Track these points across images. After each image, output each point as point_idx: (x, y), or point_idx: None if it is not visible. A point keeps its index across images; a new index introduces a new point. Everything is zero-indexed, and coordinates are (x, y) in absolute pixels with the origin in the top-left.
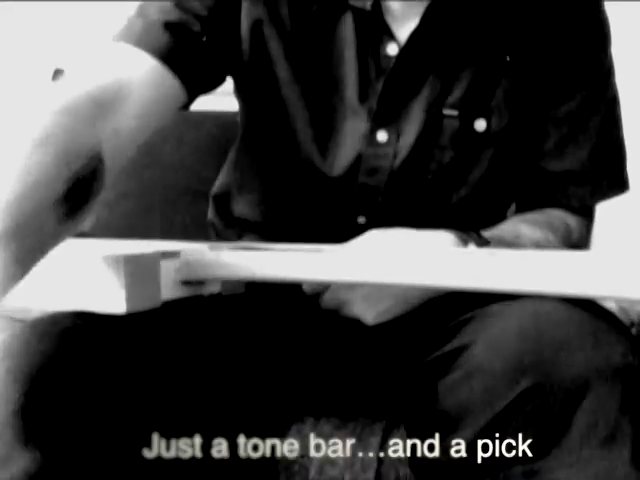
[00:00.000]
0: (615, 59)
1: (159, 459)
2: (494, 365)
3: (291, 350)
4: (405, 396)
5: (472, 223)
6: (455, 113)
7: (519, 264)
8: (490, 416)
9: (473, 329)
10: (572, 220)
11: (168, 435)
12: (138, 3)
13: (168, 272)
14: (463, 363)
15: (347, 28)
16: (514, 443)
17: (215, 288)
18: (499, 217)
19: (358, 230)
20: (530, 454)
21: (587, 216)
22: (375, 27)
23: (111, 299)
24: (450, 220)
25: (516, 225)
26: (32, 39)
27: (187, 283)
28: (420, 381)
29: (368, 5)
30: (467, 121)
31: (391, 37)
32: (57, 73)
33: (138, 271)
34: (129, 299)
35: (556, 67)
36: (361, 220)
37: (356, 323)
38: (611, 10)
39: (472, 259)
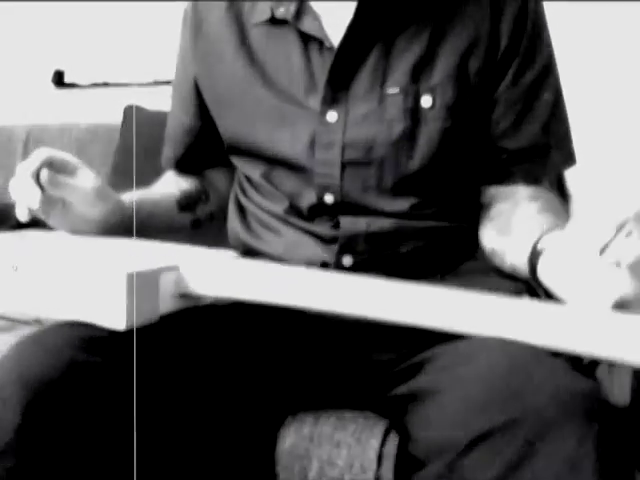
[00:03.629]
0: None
1: (160, 458)
2: (462, 405)
3: (289, 352)
4: (397, 401)
5: (432, 194)
6: (397, 91)
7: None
8: (457, 452)
9: (443, 366)
10: (543, 192)
11: (168, 433)
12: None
13: (167, 286)
14: (436, 399)
15: (291, 34)
16: (484, 477)
17: (212, 297)
18: (466, 190)
19: (328, 210)
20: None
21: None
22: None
23: (111, 315)
24: (410, 190)
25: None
26: (32, 39)
27: (185, 295)
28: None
29: (289, 16)
30: (413, 98)
31: (326, 37)
32: (57, 73)
33: (138, 288)
34: (129, 316)
35: (501, 50)
36: (328, 199)
37: (353, 325)
38: (610, 10)
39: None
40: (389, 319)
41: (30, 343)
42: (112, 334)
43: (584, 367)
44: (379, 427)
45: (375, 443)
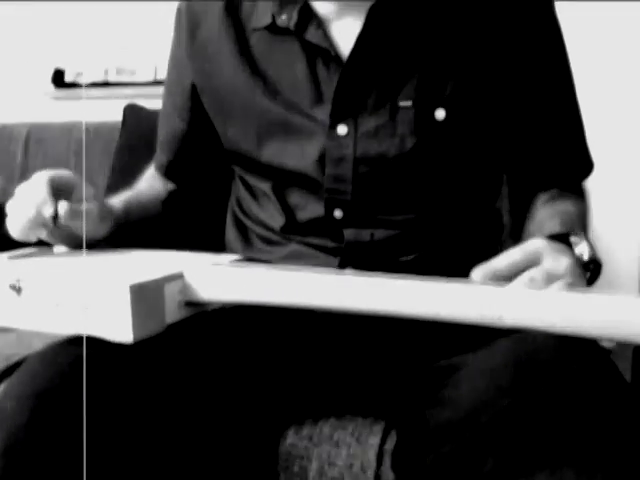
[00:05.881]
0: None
1: (161, 458)
2: (484, 382)
3: (294, 352)
4: (401, 401)
5: (441, 204)
6: (409, 104)
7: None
8: (474, 429)
9: (465, 356)
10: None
11: (168, 432)
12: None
13: (172, 295)
14: (454, 381)
15: (294, 42)
16: (494, 457)
17: (218, 304)
18: (484, 203)
19: (336, 224)
20: (509, 470)
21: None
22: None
23: (117, 328)
24: (420, 201)
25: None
26: (32, 38)
27: (190, 303)
28: (412, 392)
29: (292, 25)
30: (426, 110)
31: (332, 47)
32: (57, 73)
33: (143, 299)
34: (135, 328)
35: (515, 62)
36: (337, 214)
37: (356, 326)
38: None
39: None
40: (395, 312)
41: (38, 361)
42: (115, 345)
43: (599, 353)
44: (379, 426)
45: (375, 442)
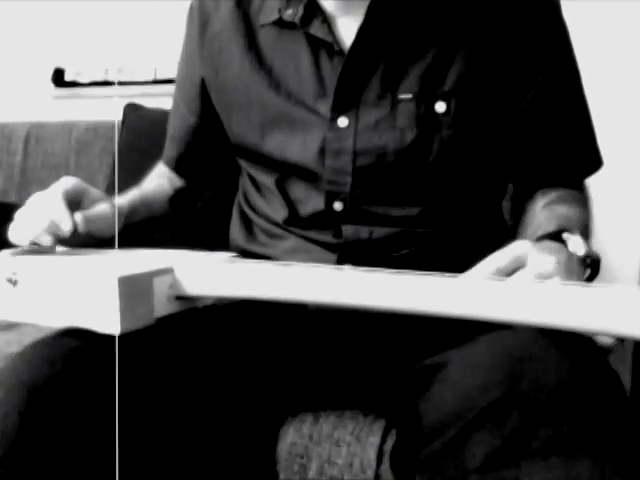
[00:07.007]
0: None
1: (160, 457)
2: (467, 380)
3: (290, 350)
4: (397, 400)
5: (442, 200)
6: (410, 97)
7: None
8: (461, 426)
9: (450, 352)
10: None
11: (168, 432)
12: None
13: (161, 289)
14: (440, 379)
15: (300, 37)
16: (482, 452)
17: (209, 300)
18: (487, 201)
19: (336, 217)
20: (496, 463)
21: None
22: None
23: (106, 320)
24: (420, 197)
25: (559, 211)
26: (32, 37)
27: (181, 298)
28: (406, 390)
29: (297, 19)
30: (426, 103)
31: (335, 41)
32: (57, 72)
33: (131, 292)
34: (123, 320)
35: (519, 56)
36: (337, 206)
37: (353, 323)
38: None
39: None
40: (385, 307)
41: (31, 352)
42: (108, 338)
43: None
44: (379, 425)
45: (375, 441)
